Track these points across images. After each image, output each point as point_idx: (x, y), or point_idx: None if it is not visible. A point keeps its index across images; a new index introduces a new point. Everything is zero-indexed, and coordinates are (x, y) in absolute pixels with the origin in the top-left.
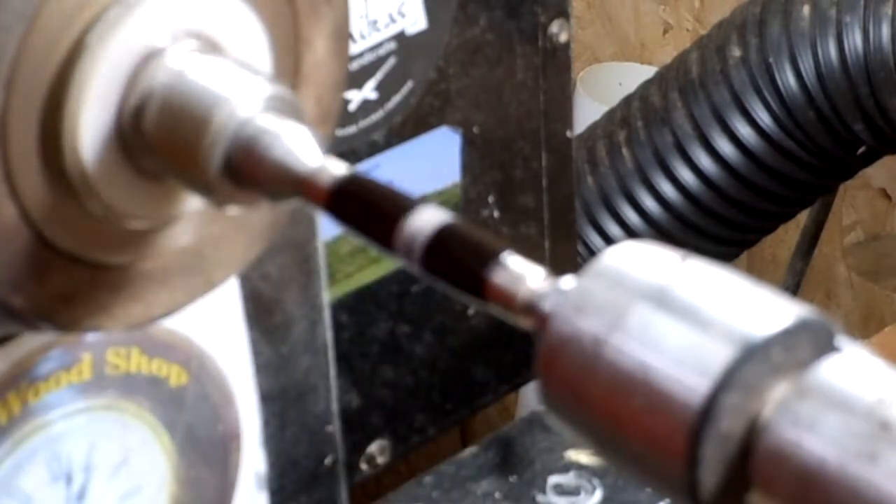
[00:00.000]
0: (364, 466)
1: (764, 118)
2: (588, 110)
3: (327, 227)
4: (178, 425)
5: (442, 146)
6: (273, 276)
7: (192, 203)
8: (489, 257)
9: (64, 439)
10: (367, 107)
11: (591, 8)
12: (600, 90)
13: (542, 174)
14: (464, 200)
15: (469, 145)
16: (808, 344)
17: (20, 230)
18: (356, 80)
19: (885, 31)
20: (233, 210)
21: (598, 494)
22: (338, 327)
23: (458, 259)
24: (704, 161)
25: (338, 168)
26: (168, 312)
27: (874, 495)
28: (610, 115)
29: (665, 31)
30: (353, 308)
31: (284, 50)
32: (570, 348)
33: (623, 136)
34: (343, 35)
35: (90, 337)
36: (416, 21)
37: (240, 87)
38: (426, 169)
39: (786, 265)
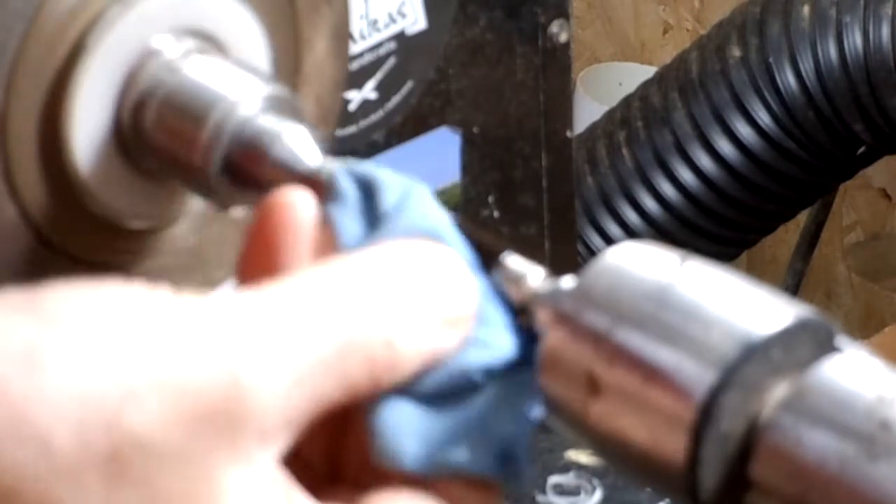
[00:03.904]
0: None
1: (764, 118)
2: (588, 110)
3: None
4: None
5: (442, 146)
6: None
7: (192, 203)
8: (489, 257)
9: None
10: (367, 107)
11: (591, 8)
12: (600, 90)
13: (542, 174)
14: (464, 200)
15: (469, 145)
16: (808, 344)
17: (20, 230)
18: (356, 80)
19: (885, 31)
20: (233, 210)
21: (598, 494)
22: None
23: None
24: (704, 161)
25: (336, 167)
26: None
27: (874, 495)
28: (610, 115)
29: (665, 31)
30: None
31: (284, 50)
32: (570, 348)
33: (623, 136)
34: (343, 35)
35: None
36: (416, 21)
37: (239, 87)
38: (426, 169)
39: (786, 265)
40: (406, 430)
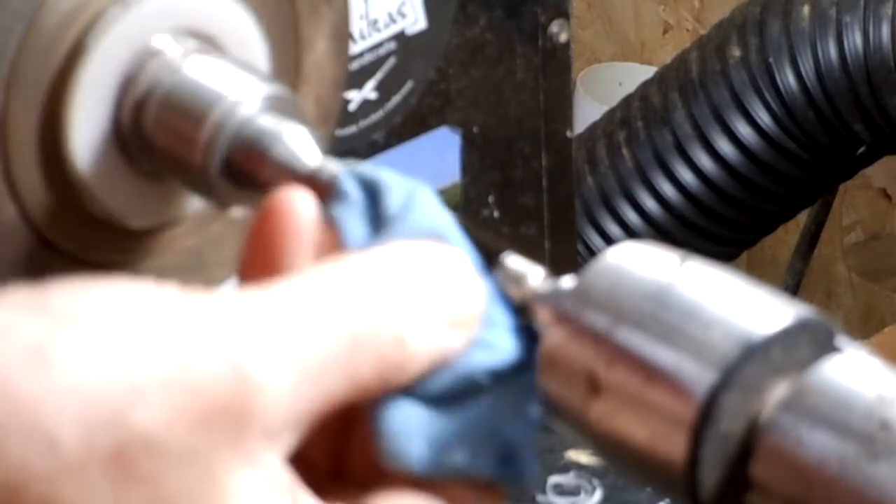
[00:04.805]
0: None
1: (764, 118)
2: (588, 110)
3: None
4: None
5: (442, 146)
6: None
7: (192, 203)
8: (489, 257)
9: None
10: (367, 107)
11: (591, 8)
12: (600, 90)
13: (542, 174)
14: (464, 200)
15: (469, 145)
16: (808, 344)
17: (20, 230)
18: (356, 80)
19: (885, 31)
20: (233, 210)
21: (598, 494)
22: None
23: None
24: (704, 161)
25: (337, 168)
26: None
27: (874, 495)
28: (610, 115)
29: (665, 31)
30: None
31: (284, 50)
32: (570, 348)
33: (623, 136)
34: (343, 35)
35: None
36: (416, 21)
37: (239, 87)
38: (426, 169)
39: (786, 265)
40: (411, 431)
